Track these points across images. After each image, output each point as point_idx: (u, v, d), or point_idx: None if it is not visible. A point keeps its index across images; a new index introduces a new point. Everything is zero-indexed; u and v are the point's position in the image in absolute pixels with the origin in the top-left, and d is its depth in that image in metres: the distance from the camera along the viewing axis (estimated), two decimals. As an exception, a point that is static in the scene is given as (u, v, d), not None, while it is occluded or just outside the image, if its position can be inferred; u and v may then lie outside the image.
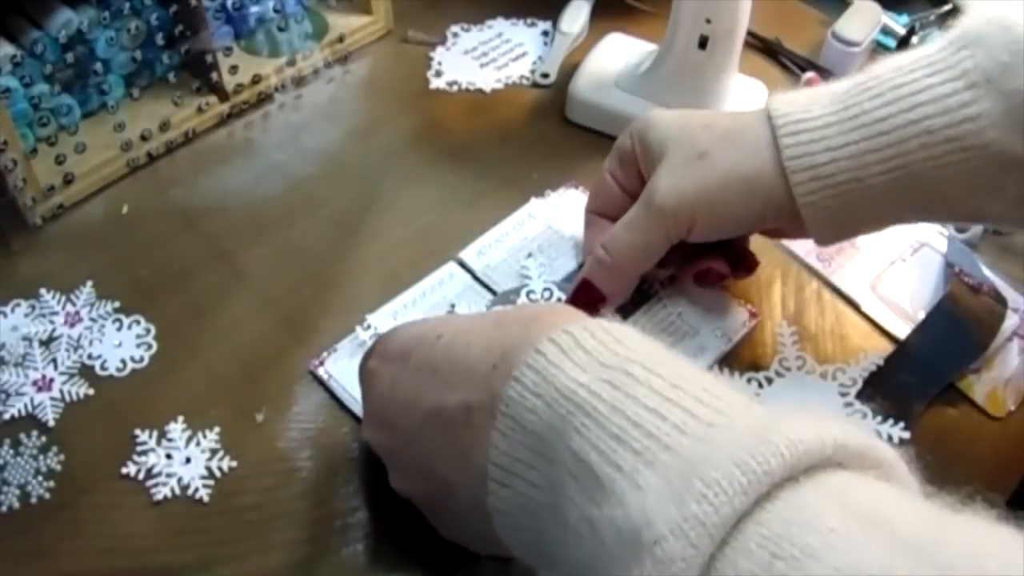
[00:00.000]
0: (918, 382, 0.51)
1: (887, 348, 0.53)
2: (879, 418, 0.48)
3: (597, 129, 0.64)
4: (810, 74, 0.69)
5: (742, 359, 0.52)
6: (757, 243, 0.58)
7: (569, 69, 0.68)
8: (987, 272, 0.56)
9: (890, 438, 0.47)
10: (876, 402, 0.49)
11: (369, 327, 0.51)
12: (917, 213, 0.45)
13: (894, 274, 0.57)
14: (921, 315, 0.54)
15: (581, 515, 0.30)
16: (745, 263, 0.52)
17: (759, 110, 0.47)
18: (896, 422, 0.48)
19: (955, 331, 0.51)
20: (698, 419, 0.30)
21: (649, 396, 0.31)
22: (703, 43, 0.59)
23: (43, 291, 0.53)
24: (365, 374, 0.43)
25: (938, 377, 0.51)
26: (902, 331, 0.54)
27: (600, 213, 0.53)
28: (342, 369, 0.50)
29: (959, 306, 0.53)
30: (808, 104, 0.45)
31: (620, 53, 0.66)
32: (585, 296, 0.49)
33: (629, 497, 0.29)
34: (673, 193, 0.46)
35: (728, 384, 0.33)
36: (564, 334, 0.34)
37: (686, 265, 0.52)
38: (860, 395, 0.49)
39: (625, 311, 0.52)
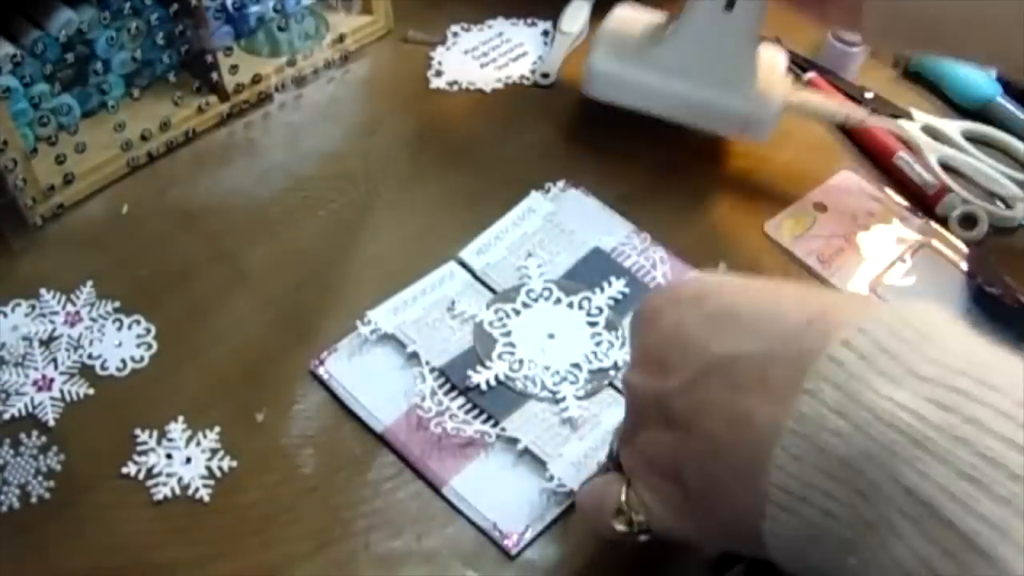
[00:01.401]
0: None
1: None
2: None
3: (620, 103, 0.61)
4: (811, 74, 0.69)
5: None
6: (756, 244, 0.59)
7: (569, 69, 0.68)
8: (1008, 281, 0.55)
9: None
10: None
11: (369, 322, 0.51)
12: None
13: (894, 275, 0.57)
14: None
15: (919, 561, 0.26)
16: None
17: None
18: None
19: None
20: None
21: (995, 420, 0.26)
22: (730, 3, 0.56)
23: (43, 291, 0.53)
24: (643, 313, 0.38)
25: None
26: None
27: None
28: (343, 369, 0.50)
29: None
30: None
31: (632, 23, 0.63)
32: None
33: (1013, 563, 0.24)
34: None
35: None
36: (860, 334, 0.29)
37: None
38: None
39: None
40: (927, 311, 0.30)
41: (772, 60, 0.62)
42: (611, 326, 0.52)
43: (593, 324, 0.52)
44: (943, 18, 0.43)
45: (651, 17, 0.63)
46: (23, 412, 0.48)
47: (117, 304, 0.53)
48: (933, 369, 0.28)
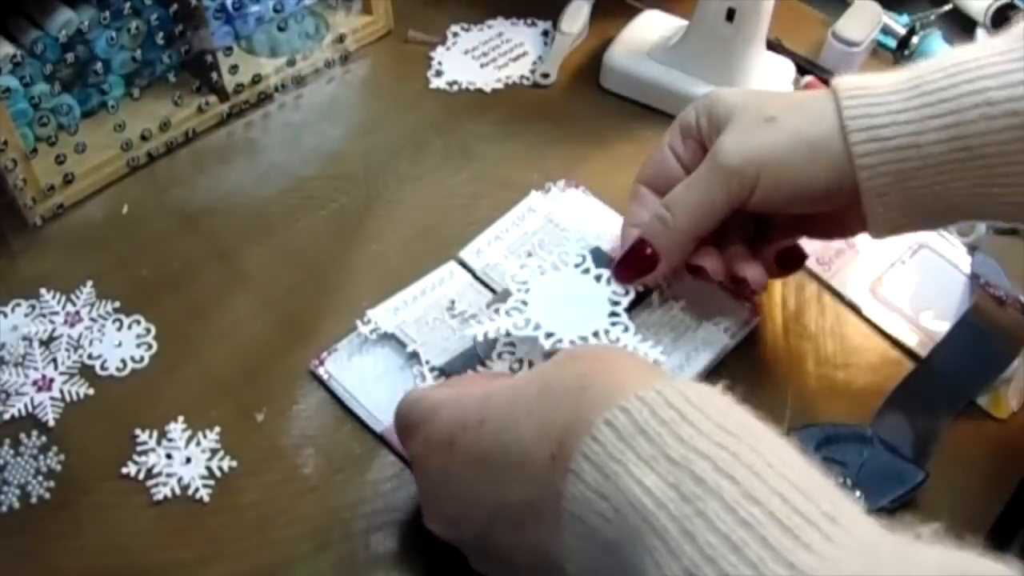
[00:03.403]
0: (944, 397, 0.50)
1: (886, 349, 0.53)
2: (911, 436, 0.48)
3: (629, 97, 0.67)
4: (809, 77, 0.69)
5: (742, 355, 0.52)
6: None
7: (569, 69, 0.68)
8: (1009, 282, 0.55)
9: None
10: (901, 417, 0.48)
11: (369, 321, 0.51)
12: (973, 198, 0.43)
13: (894, 277, 0.57)
14: (923, 317, 0.54)
15: None
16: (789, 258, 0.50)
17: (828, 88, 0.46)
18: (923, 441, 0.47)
19: (980, 345, 0.49)
20: (778, 555, 0.26)
21: (720, 515, 0.27)
22: (730, 16, 0.61)
23: (43, 291, 0.53)
24: (411, 458, 0.42)
25: (964, 392, 0.50)
26: (902, 333, 0.54)
27: (650, 186, 0.52)
28: (342, 369, 0.50)
29: (984, 319, 0.52)
30: (874, 79, 0.44)
31: (655, 27, 0.68)
32: (638, 256, 0.48)
33: None
34: (738, 151, 0.45)
35: (818, 475, 0.28)
36: (621, 413, 0.31)
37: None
38: (884, 410, 0.49)
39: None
40: (694, 391, 0.31)
41: (779, 68, 0.67)
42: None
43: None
44: (949, 194, 0.44)
45: (674, 23, 0.69)
46: (23, 412, 0.48)
47: (117, 304, 0.53)
48: (681, 450, 0.29)
